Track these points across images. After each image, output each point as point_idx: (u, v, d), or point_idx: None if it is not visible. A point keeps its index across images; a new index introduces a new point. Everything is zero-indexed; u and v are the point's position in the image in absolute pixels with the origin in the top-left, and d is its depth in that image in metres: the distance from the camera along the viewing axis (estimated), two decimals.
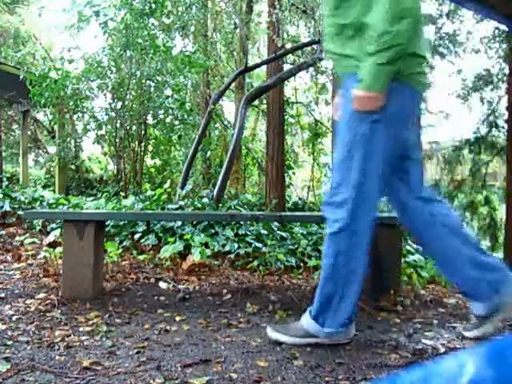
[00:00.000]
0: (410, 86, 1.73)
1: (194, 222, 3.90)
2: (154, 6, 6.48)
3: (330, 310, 1.78)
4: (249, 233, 3.85)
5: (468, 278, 1.85)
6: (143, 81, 6.71)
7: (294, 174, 13.23)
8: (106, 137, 7.30)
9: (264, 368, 1.56)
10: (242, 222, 3.91)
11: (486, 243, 11.60)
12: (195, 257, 3.30)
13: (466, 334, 1.95)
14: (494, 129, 10.62)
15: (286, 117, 10.29)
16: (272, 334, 1.83)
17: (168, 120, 7.41)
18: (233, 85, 8.63)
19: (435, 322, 2.19)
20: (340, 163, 1.76)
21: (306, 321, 1.82)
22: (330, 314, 1.78)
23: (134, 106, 6.85)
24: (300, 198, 10.94)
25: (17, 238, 4.10)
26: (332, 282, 1.77)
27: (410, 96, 1.75)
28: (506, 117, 9.49)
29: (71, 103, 6.96)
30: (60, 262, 2.89)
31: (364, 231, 1.77)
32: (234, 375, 1.49)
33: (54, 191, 8.54)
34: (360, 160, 1.70)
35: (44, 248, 3.59)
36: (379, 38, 1.57)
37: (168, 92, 7.16)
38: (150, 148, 7.91)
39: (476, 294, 1.86)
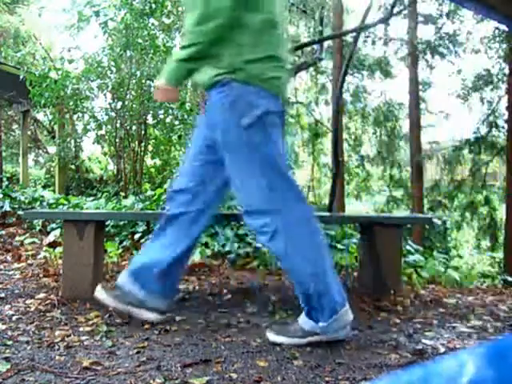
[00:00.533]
0: (265, 90, 1.77)
1: None
2: (154, 5, 6.48)
3: (316, 307, 1.78)
4: (249, 233, 3.85)
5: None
6: (143, 81, 6.71)
7: (293, 174, 13.24)
8: (106, 137, 7.29)
9: (264, 368, 1.56)
10: (242, 222, 3.90)
11: (486, 243, 11.61)
12: (195, 257, 3.30)
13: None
14: (494, 129, 10.64)
15: (285, 117, 10.28)
16: (271, 336, 1.83)
17: (168, 120, 7.41)
18: None
19: (435, 322, 2.19)
20: (243, 175, 1.79)
21: (303, 320, 1.83)
22: (319, 310, 1.78)
23: (133, 105, 6.85)
24: None
25: (17, 238, 4.10)
26: (300, 283, 1.78)
27: (267, 99, 1.79)
28: (506, 117, 9.51)
29: (71, 103, 6.96)
30: (60, 261, 2.89)
31: (300, 225, 1.77)
32: (234, 375, 1.49)
33: (54, 191, 8.54)
34: (257, 164, 1.75)
35: (44, 248, 3.60)
36: (185, 37, 1.68)
37: None
38: (150, 148, 7.91)
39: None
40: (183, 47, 1.70)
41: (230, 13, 1.66)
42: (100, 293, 1.99)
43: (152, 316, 2.00)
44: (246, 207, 1.82)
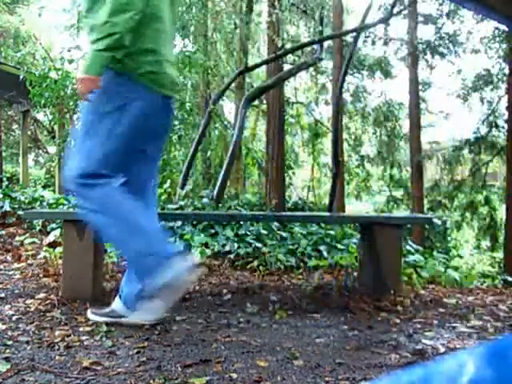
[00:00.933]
0: (142, 85, 1.84)
1: (194, 222, 3.90)
2: None
3: (148, 270, 1.78)
4: (249, 233, 3.85)
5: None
6: None
7: (293, 174, 13.24)
8: None
9: (264, 368, 1.56)
10: (242, 222, 3.91)
11: (486, 243, 11.60)
12: (195, 257, 3.30)
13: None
14: (494, 129, 10.64)
15: (285, 117, 10.29)
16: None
17: None
18: (233, 85, 8.63)
19: (435, 322, 2.19)
20: (78, 150, 1.90)
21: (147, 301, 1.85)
22: (150, 271, 1.77)
23: None
24: (300, 198, 10.94)
25: (17, 238, 4.10)
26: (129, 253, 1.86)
27: (138, 93, 1.85)
28: (506, 117, 9.51)
29: (71, 103, 6.96)
30: (60, 261, 2.89)
31: (120, 205, 1.85)
32: (234, 375, 1.49)
33: (53, 191, 8.54)
34: (94, 144, 1.85)
35: (44, 248, 3.59)
36: (99, 28, 1.74)
37: None
38: None
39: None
40: (100, 38, 1.74)
41: (142, 5, 1.75)
42: (93, 316, 2.04)
43: (150, 319, 2.01)
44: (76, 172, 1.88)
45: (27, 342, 1.74)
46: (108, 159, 1.87)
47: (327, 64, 12.72)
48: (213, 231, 3.85)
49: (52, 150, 12.93)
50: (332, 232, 4.08)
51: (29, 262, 3.31)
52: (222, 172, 5.27)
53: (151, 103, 1.89)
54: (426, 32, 12.16)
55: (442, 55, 11.53)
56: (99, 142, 1.85)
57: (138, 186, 1.99)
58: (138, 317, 1.98)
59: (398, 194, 13.30)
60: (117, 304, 2.03)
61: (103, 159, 1.85)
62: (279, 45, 6.77)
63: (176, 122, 7.50)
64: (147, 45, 1.83)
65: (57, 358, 1.60)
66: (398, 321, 2.17)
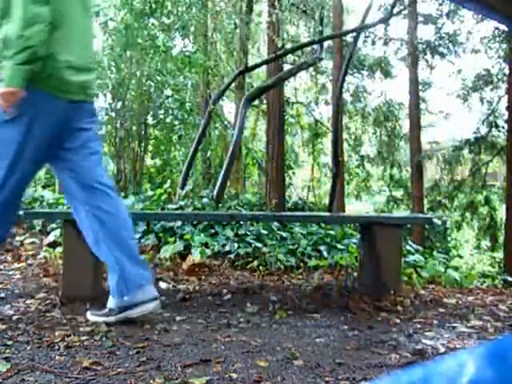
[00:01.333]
0: (43, 91, 1.88)
1: (194, 222, 3.90)
2: (154, 5, 6.48)
3: None
4: (249, 233, 3.85)
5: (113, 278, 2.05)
6: (143, 81, 6.72)
7: (293, 174, 13.25)
8: (106, 137, 7.30)
9: (264, 368, 1.56)
10: (242, 222, 3.91)
11: (486, 243, 11.60)
12: (195, 257, 3.30)
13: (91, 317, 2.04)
14: (493, 129, 10.64)
15: (285, 117, 10.29)
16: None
17: (168, 120, 7.42)
18: (233, 85, 8.63)
19: (435, 322, 2.19)
20: None
21: None
22: None
23: (133, 106, 6.86)
24: (300, 198, 10.94)
25: (17, 238, 4.10)
26: None
27: (42, 100, 1.89)
28: (506, 117, 9.51)
29: None
30: (60, 261, 2.89)
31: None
32: (234, 375, 1.49)
33: (54, 191, 8.53)
34: None
35: (44, 248, 3.59)
36: (15, 42, 1.77)
37: (168, 92, 7.17)
38: (150, 148, 7.92)
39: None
40: (17, 53, 1.76)
41: (49, 15, 1.79)
42: (92, 317, 2.05)
43: (150, 306, 2.01)
44: None
45: (27, 342, 1.74)
46: (10, 169, 1.91)
47: (327, 64, 12.72)
48: (213, 231, 3.85)
49: None
50: (332, 232, 4.08)
51: (29, 261, 3.31)
52: (222, 172, 5.27)
53: (53, 109, 1.92)
54: (426, 32, 12.17)
55: (442, 55, 11.52)
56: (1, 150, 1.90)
57: (82, 179, 2.05)
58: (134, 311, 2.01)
59: (398, 193, 13.30)
60: (111, 302, 2.05)
61: (6, 171, 1.90)
62: (279, 45, 6.77)
63: (176, 122, 7.51)
64: (48, 52, 1.85)
65: (57, 358, 1.60)
66: (398, 321, 2.17)
